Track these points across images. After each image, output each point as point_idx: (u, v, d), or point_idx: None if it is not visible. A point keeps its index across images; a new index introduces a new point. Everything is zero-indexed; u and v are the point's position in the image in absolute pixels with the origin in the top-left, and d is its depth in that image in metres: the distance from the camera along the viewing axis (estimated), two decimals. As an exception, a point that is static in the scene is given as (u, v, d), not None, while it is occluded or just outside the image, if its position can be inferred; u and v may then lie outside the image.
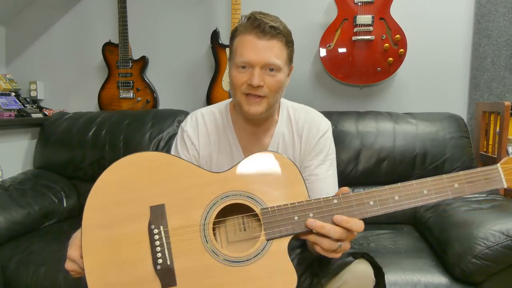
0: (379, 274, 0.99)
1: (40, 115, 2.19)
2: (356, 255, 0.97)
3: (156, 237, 0.81)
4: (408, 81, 2.12)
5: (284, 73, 1.06)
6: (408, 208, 0.82)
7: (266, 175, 0.83)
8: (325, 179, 1.10)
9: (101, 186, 0.82)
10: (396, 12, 1.93)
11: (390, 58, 1.93)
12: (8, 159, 2.06)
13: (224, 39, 2.14)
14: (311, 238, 0.81)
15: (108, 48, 2.22)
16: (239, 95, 1.05)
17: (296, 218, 0.80)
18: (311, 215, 0.80)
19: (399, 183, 0.81)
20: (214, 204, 0.82)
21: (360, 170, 1.79)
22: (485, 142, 1.95)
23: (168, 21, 2.29)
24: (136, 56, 2.23)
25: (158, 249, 0.80)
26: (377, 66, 1.95)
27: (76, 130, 2.01)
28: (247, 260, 0.79)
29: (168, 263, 0.79)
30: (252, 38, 1.01)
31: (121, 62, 2.20)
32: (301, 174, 0.85)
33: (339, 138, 1.80)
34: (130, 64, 2.21)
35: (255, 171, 0.84)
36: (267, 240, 0.80)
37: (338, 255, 0.83)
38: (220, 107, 1.20)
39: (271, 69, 1.02)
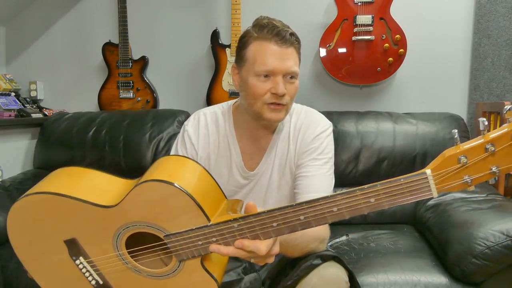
0: (351, 279, 0.96)
1: (40, 115, 2.19)
2: (325, 257, 0.94)
3: (81, 266, 0.85)
4: (408, 81, 2.12)
5: (298, 79, 1.07)
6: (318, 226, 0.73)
7: (161, 205, 0.78)
8: (316, 177, 1.08)
9: (12, 228, 0.88)
10: (396, 12, 1.93)
11: (390, 58, 1.93)
12: (8, 159, 2.06)
13: (224, 39, 2.14)
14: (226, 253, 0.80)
15: (108, 48, 2.22)
16: (260, 104, 1.03)
17: (200, 243, 0.77)
18: (214, 239, 0.76)
19: (304, 202, 0.71)
20: (118, 235, 0.82)
21: (360, 170, 1.80)
22: (485, 142, 1.95)
23: (168, 21, 2.29)
24: (136, 56, 2.23)
25: (87, 274, 0.85)
26: (377, 66, 1.95)
27: (76, 130, 2.01)
28: (166, 275, 0.82)
29: (101, 282, 0.85)
30: (272, 46, 1.00)
31: (121, 62, 2.20)
32: (195, 201, 0.76)
33: (339, 138, 1.81)
34: (130, 64, 2.21)
35: (144, 201, 0.79)
36: (179, 262, 0.81)
37: (265, 261, 0.79)
38: (223, 109, 1.19)
39: (291, 77, 1.02)
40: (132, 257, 0.83)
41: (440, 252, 1.36)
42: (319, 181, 1.07)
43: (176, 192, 0.75)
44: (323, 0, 2.13)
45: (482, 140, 0.61)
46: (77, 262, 0.84)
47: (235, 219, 0.74)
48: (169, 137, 1.95)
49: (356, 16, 1.93)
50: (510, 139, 0.59)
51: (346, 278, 0.93)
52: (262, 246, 0.73)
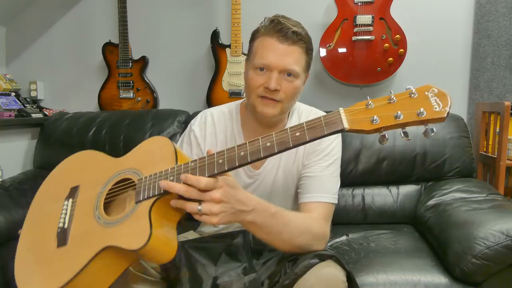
0: (350, 279, 0.96)
1: (40, 115, 2.19)
2: (323, 257, 0.94)
3: (65, 207, 0.96)
4: (408, 81, 2.12)
5: (301, 80, 1.06)
6: (254, 161, 0.82)
7: (148, 153, 0.94)
8: (321, 177, 1.08)
9: (47, 179, 1.12)
10: (396, 12, 1.93)
11: (390, 58, 1.93)
12: (8, 159, 2.06)
13: (224, 39, 2.14)
14: (174, 203, 0.83)
15: (108, 48, 2.22)
16: (254, 97, 1.05)
17: (158, 182, 0.84)
18: (171, 178, 0.83)
19: (247, 141, 0.82)
20: (109, 180, 0.95)
21: (360, 170, 1.79)
22: (485, 142, 1.95)
23: (168, 21, 2.29)
24: (136, 56, 2.23)
25: (63, 215, 0.94)
26: (377, 66, 1.96)
27: (76, 130, 2.01)
28: (117, 221, 0.86)
29: (66, 226, 0.92)
30: (273, 41, 1.01)
31: (121, 62, 2.20)
32: (175, 149, 0.89)
33: (339, 138, 1.81)
34: (130, 64, 2.21)
35: (141, 151, 0.97)
36: (136, 203, 0.86)
37: (209, 220, 0.82)
38: (231, 107, 1.20)
39: (289, 74, 1.02)
40: (106, 208, 0.93)
41: (440, 252, 1.36)
42: (322, 181, 1.08)
43: (167, 143, 0.91)
44: (323, 0, 2.13)
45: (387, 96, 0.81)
46: (65, 204, 0.97)
47: (193, 160, 0.84)
48: (169, 137, 1.90)
49: (356, 16, 1.93)
50: (408, 95, 0.82)
51: (344, 278, 0.93)
52: (202, 180, 0.79)
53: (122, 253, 0.82)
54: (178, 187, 0.81)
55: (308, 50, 1.06)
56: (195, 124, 1.20)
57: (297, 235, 0.94)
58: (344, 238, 1.55)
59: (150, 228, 0.79)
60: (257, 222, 0.88)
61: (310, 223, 0.98)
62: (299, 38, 1.01)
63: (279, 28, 1.00)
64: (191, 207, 0.81)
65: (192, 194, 0.80)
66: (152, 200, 0.84)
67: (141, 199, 0.85)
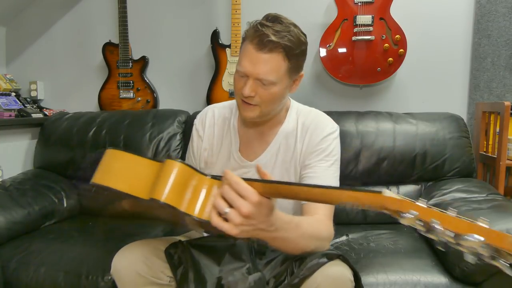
0: (356, 278, 0.97)
1: (40, 115, 2.19)
2: (331, 256, 0.95)
3: None
4: (408, 81, 2.12)
5: (280, 85, 1.04)
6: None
7: None
8: (322, 178, 1.09)
9: None
10: (396, 12, 1.93)
11: (390, 58, 1.93)
12: (8, 159, 2.06)
13: (224, 39, 2.14)
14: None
15: (108, 48, 2.22)
16: (238, 99, 1.09)
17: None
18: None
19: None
20: None
21: (360, 170, 1.79)
22: (485, 142, 1.95)
23: (168, 21, 2.29)
24: (136, 56, 2.23)
25: None
26: (377, 66, 1.95)
27: (76, 130, 2.01)
28: None
29: None
30: (251, 49, 1.01)
31: (121, 62, 2.20)
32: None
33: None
34: (130, 64, 2.21)
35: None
36: None
37: (229, 229, 0.75)
38: (232, 104, 1.25)
39: (264, 82, 1.02)
40: None
41: (440, 252, 1.36)
42: (325, 182, 1.09)
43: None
44: (323, 0, 2.13)
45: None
46: None
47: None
48: (169, 137, 1.94)
49: (356, 16, 1.93)
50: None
51: (351, 277, 0.94)
52: (241, 181, 0.75)
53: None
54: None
55: (290, 56, 1.02)
56: (197, 118, 1.28)
57: (310, 242, 0.96)
58: (344, 238, 1.55)
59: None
60: (276, 237, 0.86)
61: (320, 228, 0.99)
62: (276, 46, 0.99)
63: (257, 34, 0.99)
64: (220, 204, 0.76)
65: (225, 189, 0.76)
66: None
67: None
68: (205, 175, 0.81)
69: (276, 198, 0.80)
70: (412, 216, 0.56)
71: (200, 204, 0.78)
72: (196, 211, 0.78)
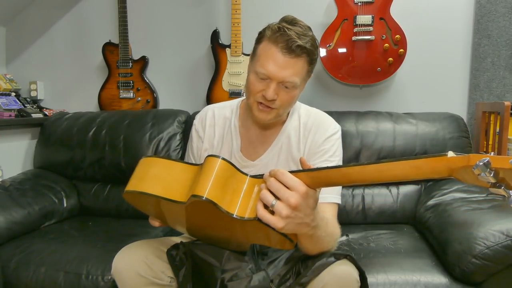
0: (362, 277, 0.97)
1: (40, 115, 2.19)
2: (338, 256, 0.96)
3: None
4: (408, 81, 2.12)
5: (300, 88, 1.06)
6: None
7: None
8: None
9: None
10: (396, 12, 1.93)
11: (390, 58, 1.93)
12: (8, 159, 2.06)
13: (224, 39, 2.14)
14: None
15: (108, 48, 2.22)
16: (252, 100, 1.06)
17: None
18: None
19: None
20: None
21: (360, 170, 1.79)
22: (485, 142, 1.95)
23: (168, 21, 2.29)
24: (136, 56, 2.23)
25: None
26: (377, 66, 1.95)
27: (76, 130, 2.01)
28: None
29: None
30: (276, 52, 1.00)
31: (121, 62, 2.20)
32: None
33: (339, 138, 1.81)
34: (130, 64, 2.21)
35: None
36: None
37: (275, 222, 0.74)
38: (232, 104, 1.24)
39: (287, 86, 1.02)
40: None
41: (440, 252, 1.36)
42: None
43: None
44: (323, 0, 2.13)
45: None
46: None
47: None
48: (169, 137, 1.94)
49: (356, 16, 1.93)
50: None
51: (358, 277, 0.94)
52: (287, 173, 0.74)
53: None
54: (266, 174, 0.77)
55: (312, 61, 1.04)
56: (196, 118, 1.26)
57: (329, 242, 0.96)
58: (344, 238, 1.55)
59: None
60: (313, 236, 0.86)
61: (335, 227, 1.00)
62: (304, 51, 1.00)
63: (284, 39, 0.99)
64: (266, 195, 0.75)
65: (271, 181, 0.75)
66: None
67: None
68: (246, 174, 0.81)
69: (323, 187, 0.79)
70: (482, 164, 0.55)
71: (239, 202, 0.78)
72: (236, 210, 0.77)
